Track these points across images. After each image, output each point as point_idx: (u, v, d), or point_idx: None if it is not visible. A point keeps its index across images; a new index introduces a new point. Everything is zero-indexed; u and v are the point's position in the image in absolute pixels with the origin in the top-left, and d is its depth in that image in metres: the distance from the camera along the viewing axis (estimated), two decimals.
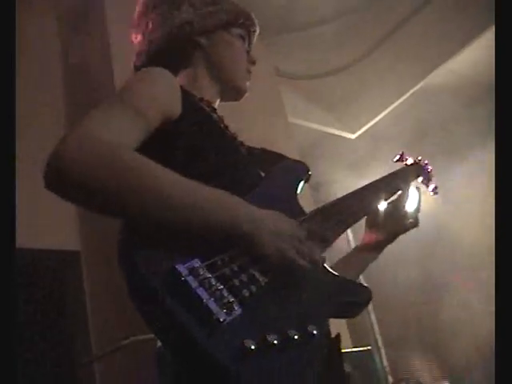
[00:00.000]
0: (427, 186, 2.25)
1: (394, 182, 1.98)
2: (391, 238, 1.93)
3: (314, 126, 7.06)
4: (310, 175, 1.76)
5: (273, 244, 1.21)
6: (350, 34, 6.17)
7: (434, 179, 2.29)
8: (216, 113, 1.71)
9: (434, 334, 6.68)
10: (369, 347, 4.49)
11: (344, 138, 7.46)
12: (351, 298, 1.45)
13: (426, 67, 6.54)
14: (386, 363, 6.53)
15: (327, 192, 7.34)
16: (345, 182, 7.42)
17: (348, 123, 7.44)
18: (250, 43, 1.86)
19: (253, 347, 1.04)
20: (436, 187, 2.26)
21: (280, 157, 1.83)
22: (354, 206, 1.79)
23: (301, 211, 1.58)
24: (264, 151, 1.84)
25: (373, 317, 6.91)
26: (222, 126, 1.69)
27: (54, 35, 4.83)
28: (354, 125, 7.45)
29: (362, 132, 7.48)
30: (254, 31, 1.87)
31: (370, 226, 1.93)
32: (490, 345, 6.21)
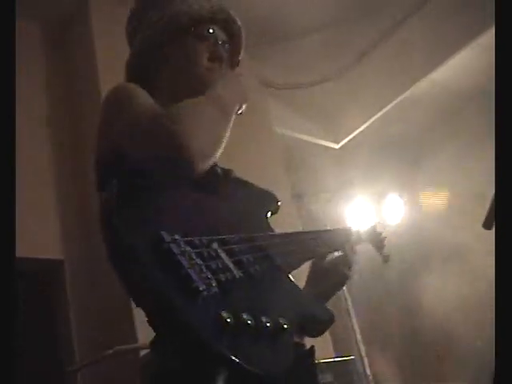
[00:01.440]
0: (380, 253, 2.29)
1: (342, 239, 1.95)
2: (332, 289, 1.83)
3: (299, 135, 7.08)
4: (278, 206, 1.75)
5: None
6: (335, 45, 6.19)
7: (386, 248, 2.32)
8: None
9: (416, 343, 6.71)
10: (352, 356, 4.49)
11: (328, 147, 7.49)
12: (315, 314, 1.44)
13: (410, 78, 6.58)
14: (368, 372, 6.54)
15: (311, 202, 7.38)
16: (328, 193, 7.46)
17: (332, 133, 7.46)
18: (215, 40, 1.78)
19: (229, 320, 1.03)
20: (388, 256, 2.29)
21: (249, 185, 1.78)
22: (312, 242, 1.76)
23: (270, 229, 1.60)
24: (234, 179, 1.75)
25: (356, 326, 6.93)
26: None
27: (38, 44, 4.82)
28: (339, 135, 7.48)
29: (346, 142, 7.51)
30: (225, 24, 1.82)
31: (312, 274, 1.85)
32: (471, 354, 6.25)
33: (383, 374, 6.79)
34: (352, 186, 7.15)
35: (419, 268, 6.78)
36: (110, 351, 3.13)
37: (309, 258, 1.70)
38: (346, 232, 2.05)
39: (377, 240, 2.29)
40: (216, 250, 1.20)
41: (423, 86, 6.67)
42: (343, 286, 1.84)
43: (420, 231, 6.72)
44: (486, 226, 1.67)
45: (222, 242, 1.25)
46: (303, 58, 6.31)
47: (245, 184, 1.76)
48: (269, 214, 1.70)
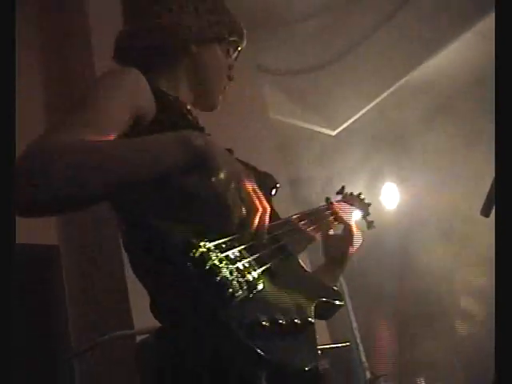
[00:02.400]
0: (365, 220, 2.37)
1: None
2: (342, 259, 1.98)
3: (295, 122, 7.08)
4: (278, 188, 1.78)
5: (225, 162, 1.23)
6: (332, 31, 6.18)
7: (370, 214, 2.42)
8: (191, 114, 1.71)
9: (413, 330, 6.73)
10: (347, 343, 4.50)
11: (324, 134, 7.48)
12: (327, 298, 1.49)
13: (407, 65, 6.57)
14: (364, 359, 6.56)
15: (307, 188, 7.37)
16: (324, 179, 7.46)
17: (328, 120, 7.46)
18: (235, 59, 1.85)
19: (265, 323, 1.09)
20: (372, 221, 2.38)
21: (251, 168, 1.82)
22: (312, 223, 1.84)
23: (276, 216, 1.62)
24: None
25: (351, 313, 6.94)
26: (198, 127, 1.69)
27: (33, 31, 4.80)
28: (335, 122, 7.47)
29: (342, 129, 7.50)
30: (242, 49, 1.87)
31: (324, 249, 2.01)
32: (468, 342, 6.27)
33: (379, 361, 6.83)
34: (348, 173, 7.16)
35: (415, 254, 6.79)
36: (106, 337, 3.13)
37: (311, 242, 1.76)
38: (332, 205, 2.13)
39: (362, 206, 2.37)
40: (240, 250, 1.24)
41: (420, 73, 6.66)
42: (349, 248, 1.97)
43: (416, 218, 6.73)
44: (484, 213, 1.67)
45: (241, 239, 1.28)
46: (300, 45, 6.29)
47: (246, 166, 1.78)
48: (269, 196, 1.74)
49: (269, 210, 1.30)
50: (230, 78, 1.83)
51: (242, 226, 1.26)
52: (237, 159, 1.76)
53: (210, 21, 1.71)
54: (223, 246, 1.20)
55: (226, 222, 1.23)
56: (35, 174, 1.08)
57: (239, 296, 1.10)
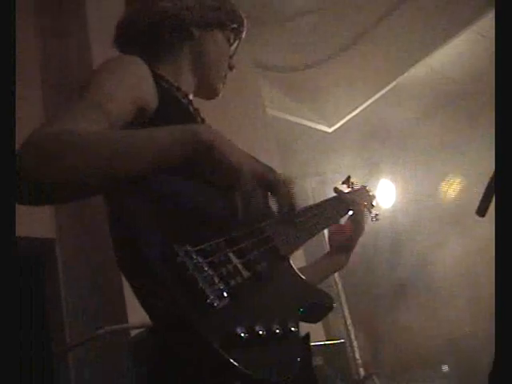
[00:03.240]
0: (370, 212, 2.35)
1: (345, 203, 2.08)
2: (349, 246, 2.00)
3: (292, 118, 7.07)
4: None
5: (236, 153, 1.18)
6: (330, 28, 6.17)
7: (376, 206, 2.42)
8: (192, 105, 1.71)
9: (407, 326, 6.75)
10: (342, 340, 4.51)
11: (321, 131, 7.48)
12: (317, 302, 1.47)
13: (404, 63, 6.57)
14: (358, 356, 6.58)
15: (303, 185, 7.37)
16: (321, 176, 7.47)
17: (325, 117, 7.45)
18: (235, 48, 1.85)
19: (243, 335, 1.06)
20: (377, 214, 2.37)
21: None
22: (315, 219, 1.82)
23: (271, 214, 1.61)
24: None
25: (346, 310, 6.95)
26: (199, 119, 1.69)
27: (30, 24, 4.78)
28: (332, 118, 7.46)
29: (339, 126, 7.50)
30: (242, 38, 1.86)
31: (330, 237, 2.03)
32: (461, 338, 6.29)
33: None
34: (344, 170, 7.16)
35: (410, 250, 6.80)
36: (101, 331, 3.13)
37: (309, 238, 1.73)
38: (346, 196, 2.14)
39: (367, 198, 2.37)
40: (226, 254, 1.21)
41: (418, 71, 6.67)
42: (359, 234, 2.01)
43: (411, 215, 6.74)
44: (480, 212, 1.68)
45: (231, 242, 1.26)
46: (298, 41, 6.28)
47: None
48: None
49: (293, 183, 1.29)
50: (230, 67, 1.83)
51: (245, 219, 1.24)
52: None
53: (211, 6, 1.72)
54: (208, 249, 1.17)
55: (234, 213, 1.20)
56: (37, 162, 1.07)
57: (218, 305, 1.07)
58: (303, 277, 1.51)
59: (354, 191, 2.27)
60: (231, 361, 1.03)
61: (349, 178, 2.37)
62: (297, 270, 1.51)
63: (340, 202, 2.05)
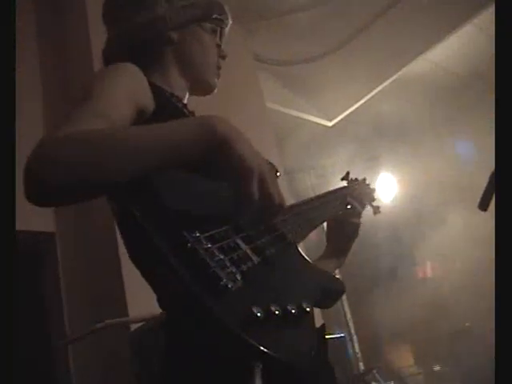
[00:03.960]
0: (371, 206, 2.36)
1: (344, 197, 2.11)
2: (347, 245, 2.04)
3: (291, 112, 7.07)
4: (277, 177, 1.78)
5: (252, 155, 1.17)
6: (329, 21, 6.16)
7: (376, 200, 2.42)
8: (187, 108, 1.71)
9: (408, 321, 6.76)
10: (342, 334, 4.53)
11: (320, 125, 7.48)
12: (328, 286, 1.48)
13: (405, 57, 6.57)
14: (357, 350, 6.59)
15: (302, 178, 7.38)
16: (320, 169, 7.47)
17: (325, 110, 7.45)
18: (221, 36, 1.83)
19: (259, 314, 1.06)
20: (378, 207, 2.37)
21: None
22: (316, 211, 1.84)
23: None
24: None
25: (346, 304, 6.96)
26: None
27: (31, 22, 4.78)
28: (331, 112, 7.47)
29: (339, 120, 7.50)
30: (227, 24, 1.85)
31: (328, 234, 2.06)
32: (462, 333, 6.30)
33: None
34: (344, 164, 7.16)
35: (411, 245, 6.81)
36: (101, 325, 3.13)
37: (314, 227, 1.76)
38: (344, 190, 2.18)
39: (368, 192, 2.38)
40: (234, 240, 1.22)
41: (417, 65, 6.67)
42: (357, 234, 2.04)
43: (413, 209, 6.75)
44: (482, 206, 1.68)
45: (239, 229, 1.27)
46: (297, 35, 6.28)
47: None
48: None
49: (284, 205, 1.25)
50: (222, 57, 1.82)
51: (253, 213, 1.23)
52: None
53: (183, 5, 1.71)
54: (217, 236, 1.18)
55: (241, 208, 1.19)
56: (47, 164, 1.07)
57: (232, 288, 1.07)
58: (312, 262, 1.52)
59: (353, 186, 2.28)
60: (250, 341, 1.03)
61: (348, 173, 2.38)
62: (305, 256, 1.53)
63: (338, 197, 2.07)
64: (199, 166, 1.17)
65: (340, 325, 6.84)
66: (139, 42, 1.68)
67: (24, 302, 3.86)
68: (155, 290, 1.15)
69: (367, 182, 2.43)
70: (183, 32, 1.72)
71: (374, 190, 2.43)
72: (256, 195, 1.16)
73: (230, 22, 1.85)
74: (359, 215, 2.09)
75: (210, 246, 1.13)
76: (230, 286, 1.07)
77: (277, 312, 1.10)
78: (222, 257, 1.12)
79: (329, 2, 5.92)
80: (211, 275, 1.07)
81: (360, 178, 2.41)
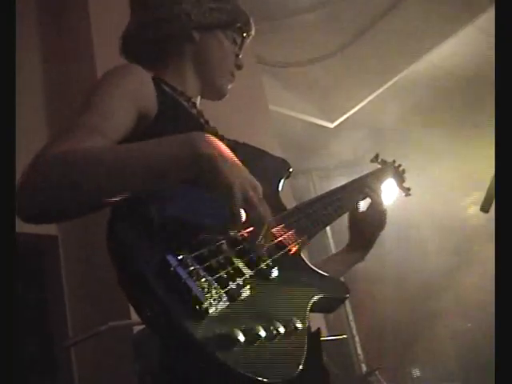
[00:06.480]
0: (400, 188, 2.37)
1: (366, 185, 2.06)
2: (372, 237, 1.99)
3: (294, 114, 7.07)
4: (290, 172, 1.78)
5: (233, 172, 1.17)
6: (332, 24, 6.17)
7: (406, 181, 2.42)
8: (196, 107, 1.71)
9: (410, 323, 6.76)
10: (344, 335, 4.52)
11: (323, 126, 7.48)
12: (330, 293, 1.46)
13: (407, 59, 6.57)
14: (360, 351, 6.59)
15: (305, 180, 7.38)
16: (323, 171, 7.47)
17: (327, 112, 7.45)
18: (241, 47, 1.84)
19: (240, 338, 1.05)
20: (409, 189, 2.38)
21: (262, 152, 1.81)
22: (331, 206, 1.82)
23: (283, 208, 1.62)
24: (246, 146, 1.79)
25: (348, 305, 6.96)
26: (202, 120, 1.69)
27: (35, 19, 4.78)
28: (333, 114, 7.46)
29: (341, 121, 7.50)
30: (250, 36, 1.85)
31: (351, 226, 2.01)
32: (464, 335, 6.29)
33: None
34: (345, 165, 7.17)
35: (413, 247, 6.80)
36: (104, 327, 3.13)
37: (323, 227, 1.73)
38: (365, 180, 2.12)
39: (398, 174, 2.39)
40: (227, 256, 1.21)
41: (419, 66, 6.66)
42: (384, 222, 2.00)
43: (414, 211, 6.73)
44: (484, 209, 1.68)
45: (232, 243, 1.26)
46: (299, 36, 6.28)
47: (257, 151, 1.80)
48: (282, 180, 1.74)
49: (267, 222, 1.23)
50: (238, 67, 1.82)
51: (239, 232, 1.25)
52: (254, 150, 1.77)
53: (211, 8, 1.71)
54: (206, 253, 1.17)
55: (226, 227, 1.21)
56: (35, 185, 1.12)
57: (215, 310, 1.07)
58: (315, 268, 1.50)
59: (377, 171, 2.26)
60: (228, 364, 1.02)
61: (377, 155, 2.39)
62: (308, 263, 1.50)
63: (356, 188, 2.03)
64: (185, 182, 1.17)
65: (342, 326, 6.84)
66: (161, 35, 1.68)
67: (27, 305, 3.86)
68: (140, 317, 1.14)
69: (396, 164, 2.42)
70: (206, 34, 1.72)
71: (403, 172, 2.43)
72: (239, 214, 1.16)
73: (253, 33, 1.86)
74: (381, 203, 2.02)
75: (196, 266, 1.12)
76: (210, 310, 1.06)
77: (262, 333, 1.09)
78: (208, 277, 1.12)
79: (330, 4, 5.93)
80: (193, 299, 1.06)
81: (379, 157, 2.39)
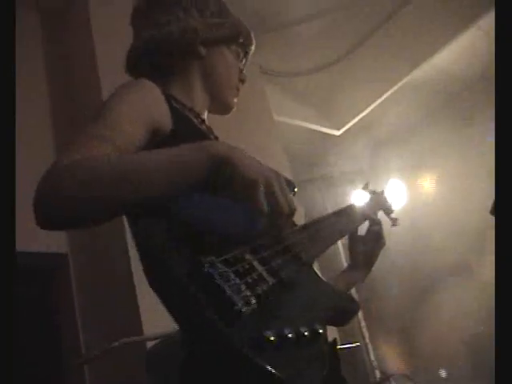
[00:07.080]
0: (389, 218, 2.36)
1: (362, 211, 2.10)
2: (371, 258, 2.01)
3: (299, 123, 7.08)
4: (295, 192, 1.79)
5: (255, 168, 1.18)
6: (334, 32, 6.18)
7: (394, 211, 2.42)
8: (205, 124, 1.72)
9: (423, 329, 6.73)
10: (357, 343, 4.51)
11: (329, 134, 7.48)
12: (343, 306, 1.48)
13: (410, 63, 6.57)
14: (373, 358, 6.57)
15: (312, 189, 7.38)
16: (329, 179, 7.47)
17: (333, 120, 7.46)
18: (244, 62, 1.86)
19: (272, 338, 1.06)
20: (396, 219, 2.36)
21: None
22: (334, 227, 1.85)
23: (293, 224, 1.62)
24: None
25: (360, 312, 6.94)
26: (212, 137, 1.70)
27: (36, 32, 4.81)
28: (339, 122, 7.47)
29: (347, 129, 7.50)
30: (251, 51, 1.87)
31: (351, 248, 2.03)
32: (477, 339, 6.26)
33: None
34: (352, 173, 7.16)
35: (422, 253, 6.78)
36: (116, 343, 3.13)
37: (326, 248, 1.73)
38: (360, 207, 2.15)
39: (386, 205, 2.38)
40: (250, 262, 1.22)
41: (423, 71, 6.66)
42: (383, 243, 2.01)
43: (422, 216, 6.73)
44: (494, 212, 1.67)
45: (254, 251, 1.27)
46: (303, 45, 6.30)
47: None
48: None
49: (295, 212, 1.25)
50: (242, 81, 1.84)
51: (265, 230, 1.26)
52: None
53: (215, 23, 1.73)
54: (232, 259, 1.18)
55: (253, 226, 1.22)
56: (49, 194, 1.12)
57: (246, 312, 1.08)
58: (327, 282, 1.52)
59: (370, 198, 2.29)
60: (264, 365, 1.03)
61: (367, 184, 2.40)
62: (321, 276, 1.53)
63: (355, 212, 2.06)
64: (205, 189, 1.18)
65: (354, 333, 6.82)
66: (167, 51, 1.69)
67: (39, 323, 3.87)
68: (172, 315, 1.14)
69: (385, 194, 2.43)
70: (211, 49, 1.73)
71: (391, 202, 2.43)
72: (265, 205, 1.16)
73: (253, 49, 1.88)
74: (379, 224, 2.06)
75: (226, 269, 1.13)
76: (243, 310, 1.07)
77: (290, 335, 1.10)
78: (237, 280, 1.13)
79: (332, 12, 5.94)
80: (226, 300, 1.07)
81: (370, 185, 2.41)
